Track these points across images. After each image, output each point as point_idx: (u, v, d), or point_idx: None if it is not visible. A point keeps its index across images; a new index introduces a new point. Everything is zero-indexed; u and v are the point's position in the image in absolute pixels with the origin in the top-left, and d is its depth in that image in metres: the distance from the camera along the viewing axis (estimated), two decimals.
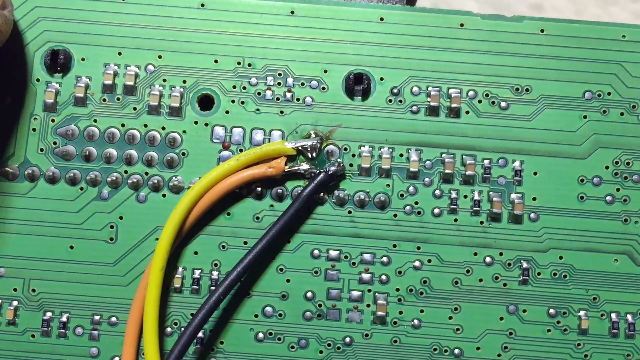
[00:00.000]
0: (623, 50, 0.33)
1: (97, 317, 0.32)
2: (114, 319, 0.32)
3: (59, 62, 0.33)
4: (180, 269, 0.33)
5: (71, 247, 0.33)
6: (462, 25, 0.33)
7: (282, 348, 0.32)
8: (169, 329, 0.32)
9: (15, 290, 0.32)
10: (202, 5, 0.33)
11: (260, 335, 0.32)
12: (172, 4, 0.33)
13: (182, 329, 0.31)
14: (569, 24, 0.33)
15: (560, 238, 0.33)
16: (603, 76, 0.33)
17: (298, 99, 0.33)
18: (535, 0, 0.60)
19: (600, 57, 0.33)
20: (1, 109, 0.33)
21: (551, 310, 0.33)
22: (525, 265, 0.33)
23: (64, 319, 0.32)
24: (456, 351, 0.32)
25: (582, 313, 0.32)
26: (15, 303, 0.32)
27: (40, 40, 0.33)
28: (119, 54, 0.33)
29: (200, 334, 0.32)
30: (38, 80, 0.33)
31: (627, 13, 0.61)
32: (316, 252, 0.33)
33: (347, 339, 0.32)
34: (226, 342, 0.32)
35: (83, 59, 0.33)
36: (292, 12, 0.34)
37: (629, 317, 0.32)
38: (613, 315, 0.33)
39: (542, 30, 0.33)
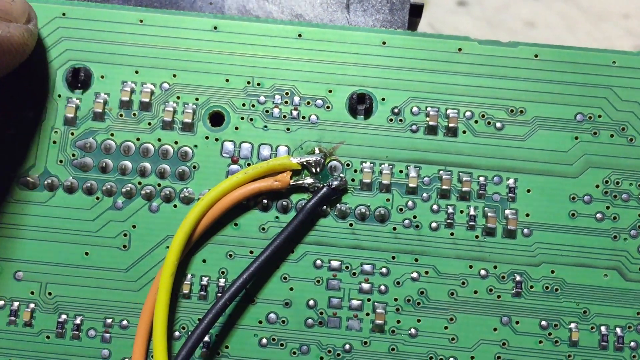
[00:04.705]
0: (613, 75, 0.35)
1: (109, 320, 0.34)
2: (125, 322, 0.34)
3: (79, 79, 0.35)
4: (189, 275, 0.34)
5: (86, 254, 0.34)
6: (460, 49, 0.35)
7: (285, 353, 0.33)
8: (177, 333, 0.33)
9: (32, 293, 0.34)
10: (215, 27, 0.35)
11: (264, 340, 0.33)
12: (186, 26, 0.35)
13: (190, 333, 0.32)
14: (562, 50, 0.35)
15: (552, 253, 0.34)
16: (594, 99, 0.35)
17: (304, 117, 0.35)
18: (529, 18, 0.60)
19: (592, 82, 0.35)
20: (24, 122, 0.34)
21: (543, 322, 0.34)
22: (518, 278, 0.34)
23: (77, 321, 0.33)
24: None
25: (572, 325, 0.33)
26: (32, 305, 0.34)
27: (62, 58, 0.35)
28: (136, 72, 0.35)
29: (206, 338, 0.33)
30: (59, 95, 0.35)
31: (619, 29, 0.60)
32: (318, 262, 0.34)
33: (347, 346, 0.33)
34: (231, 346, 0.33)
35: (102, 77, 0.35)
36: (300, 35, 0.35)
37: (618, 330, 0.33)
38: (603, 329, 0.33)
39: (536, 55, 0.35)
